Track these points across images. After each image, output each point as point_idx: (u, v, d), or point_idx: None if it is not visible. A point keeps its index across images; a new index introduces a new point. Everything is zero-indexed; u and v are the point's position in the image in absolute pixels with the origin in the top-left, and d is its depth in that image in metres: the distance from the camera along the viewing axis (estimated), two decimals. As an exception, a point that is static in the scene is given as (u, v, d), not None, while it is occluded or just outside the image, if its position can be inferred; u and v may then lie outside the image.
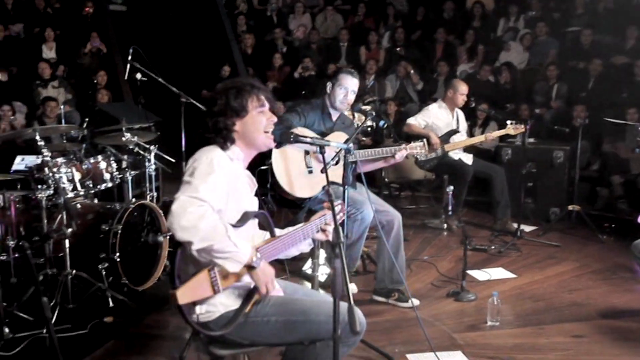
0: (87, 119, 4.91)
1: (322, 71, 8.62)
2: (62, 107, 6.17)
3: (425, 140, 3.84)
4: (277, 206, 5.66)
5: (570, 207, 5.59)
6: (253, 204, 2.33)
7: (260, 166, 4.12)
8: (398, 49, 9.16)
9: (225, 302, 2.15)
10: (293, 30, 9.93)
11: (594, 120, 6.69)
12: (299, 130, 3.53)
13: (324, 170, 2.37)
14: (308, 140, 2.60)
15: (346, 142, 3.26)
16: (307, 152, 3.58)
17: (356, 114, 4.56)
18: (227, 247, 1.98)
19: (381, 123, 3.71)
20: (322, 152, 2.50)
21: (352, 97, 3.72)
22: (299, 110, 3.69)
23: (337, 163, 3.47)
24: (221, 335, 2.14)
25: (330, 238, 2.44)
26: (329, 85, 3.75)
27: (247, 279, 2.16)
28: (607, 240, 5.32)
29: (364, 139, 6.66)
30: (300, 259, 4.43)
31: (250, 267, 2.07)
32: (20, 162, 4.46)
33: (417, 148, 3.78)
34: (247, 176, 2.33)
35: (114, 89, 7.84)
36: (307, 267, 4.33)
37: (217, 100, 2.24)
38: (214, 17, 10.04)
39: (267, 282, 2.13)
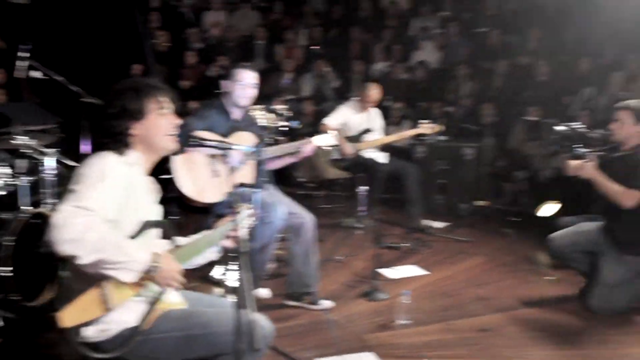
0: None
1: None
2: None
3: (336, 132, 3.81)
4: (186, 214, 5.43)
5: (478, 203, 5.77)
6: (154, 212, 2.20)
7: (160, 174, 3.95)
8: (315, 47, 9.15)
9: (121, 319, 1.99)
10: (208, 27, 9.70)
11: (501, 118, 6.96)
12: (202, 134, 3.40)
13: (230, 174, 2.27)
14: (210, 143, 2.50)
15: (261, 143, 3.16)
16: (210, 155, 3.45)
17: (267, 114, 4.47)
18: (119, 257, 1.84)
19: (294, 123, 3.65)
20: (226, 155, 2.40)
21: (252, 92, 3.63)
22: (200, 113, 3.57)
23: (244, 164, 3.37)
24: (115, 357, 1.98)
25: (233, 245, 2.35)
26: (224, 83, 3.64)
27: (145, 292, 2.03)
28: (512, 233, 5.53)
29: (281, 139, 6.57)
30: (211, 264, 4.30)
31: (149, 273, 1.93)
32: None
33: (326, 140, 3.74)
34: (148, 183, 2.20)
35: (14, 89, 7.33)
36: (216, 273, 4.20)
37: (113, 102, 2.09)
38: (125, 13, 9.63)
39: (170, 280, 1.98)
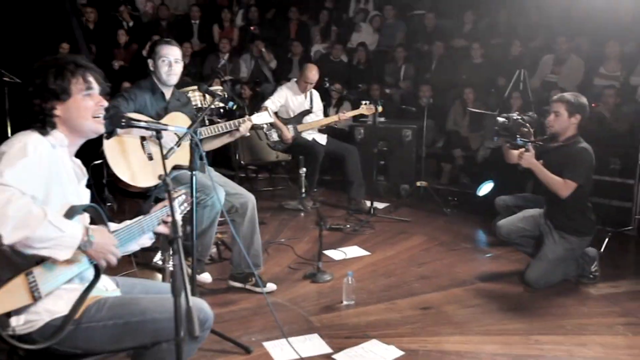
0: None
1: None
2: None
3: (270, 110, 3.76)
4: (121, 199, 5.29)
5: (418, 183, 5.86)
6: (82, 197, 2.08)
7: (93, 160, 3.78)
8: (252, 27, 9.00)
9: (51, 309, 1.87)
10: (140, 5, 9.35)
11: (438, 100, 7.09)
12: (132, 116, 3.26)
13: (163, 157, 2.17)
14: (142, 124, 2.38)
15: (191, 126, 3.06)
16: (143, 138, 3.31)
17: (202, 95, 4.35)
18: (50, 232, 1.72)
19: (229, 104, 3.55)
20: (159, 137, 2.30)
21: (178, 67, 3.50)
22: (126, 95, 3.41)
23: (179, 146, 3.26)
24: (46, 348, 1.86)
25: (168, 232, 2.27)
26: (150, 62, 3.50)
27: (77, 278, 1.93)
28: (451, 213, 5.65)
29: (219, 120, 6.44)
30: (152, 249, 4.18)
31: (84, 247, 1.84)
32: None
33: (262, 117, 3.69)
34: (74, 165, 2.07)
35: None
36: (157, 259, 4.08)
37: (35, 80, 1.95)
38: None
39: (106, 254, 1.92)
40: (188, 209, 2.42)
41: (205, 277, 3.74)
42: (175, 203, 2.27)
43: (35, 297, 1.80)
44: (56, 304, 1.89)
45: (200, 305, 2.07)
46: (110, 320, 1.95)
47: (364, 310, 3.59)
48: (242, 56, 8.51)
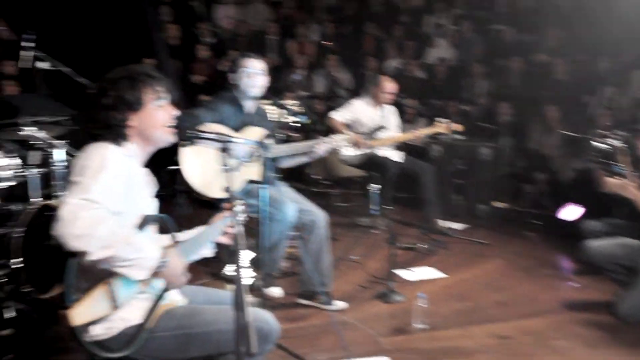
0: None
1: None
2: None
3: (350, 133, 3.70)
4: (194, 207, 5.36)
5: (497, 204, 5.61)
6: (151, 206, 2.10)
7: (168, 165, 3.84)
8: (327, 43, 9.02)
9: (125, 317, 1.91)
10: (220, 21, 9.59)
11: (518, 118, 6.81)
12: (210, 127, 3.29)
13: (226, 170, 2.17)
14: (210, 136, 2.38)
15: (267, 138, 3.04)
16: (221, 150, 3.33)
17: (276, 109, 4.35)
18: (131, 253, 1.77)
19: (303, 119, 3.52)
20: (226, 150, 2.30)
21: (259, 80, 3.54)
22: (207, 106, 3.46)
23: (249, 159, 3.25)
24: (123, 357, 1.89)
25: (229, 242, 2.27)
26: (232, 76, 3.53)
27: (149, 289, 1.95)
28: (532, 236, 5.37)
29: (294, 135, 6.46)
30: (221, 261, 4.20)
31: (158, 269, 1.87)
32: None
33: (339, 140, 3.63)
34: (144, 175, 2.10)
35: (27, 80, 7.24)
36: (228, 270, 4.08)
37: (107, 92, 1.98)
38: (135, 6, 9.54)
39: (177, 277, 1.95)
40: (244, 220, 2.38)
41: (276, 291, 3.70)
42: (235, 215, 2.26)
43: (115, 306, 1.85)
44: (130, 312, 1.92)
45: (265, 317, 2.08)
46: (180, 330, 1.98)
47: (436, 335, 3.44)
48: (318, 71, 8.53)
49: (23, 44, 4.37)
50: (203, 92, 7.36)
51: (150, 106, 2.01)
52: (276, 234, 3.43)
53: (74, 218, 1.69)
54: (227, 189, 2.07)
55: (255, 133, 3.47)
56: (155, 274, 1.87)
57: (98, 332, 1.87)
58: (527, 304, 3.89)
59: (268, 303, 3.67)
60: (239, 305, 1.64)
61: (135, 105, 1.98)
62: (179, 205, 4.89)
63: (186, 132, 2.38)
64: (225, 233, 2.23)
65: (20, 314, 3.29)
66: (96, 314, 1.83)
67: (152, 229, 2.02)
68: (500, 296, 4.01)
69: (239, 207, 2.19)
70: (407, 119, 7.16)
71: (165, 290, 1.98)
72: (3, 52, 7.54)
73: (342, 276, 4.32)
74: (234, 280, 3.59)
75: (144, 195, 2.05)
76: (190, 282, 2.01)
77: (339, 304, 3.70)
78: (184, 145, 3.27)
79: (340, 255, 4.74)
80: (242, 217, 2.29)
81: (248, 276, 3.85)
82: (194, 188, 3.29)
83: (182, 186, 3.40)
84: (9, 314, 3.27)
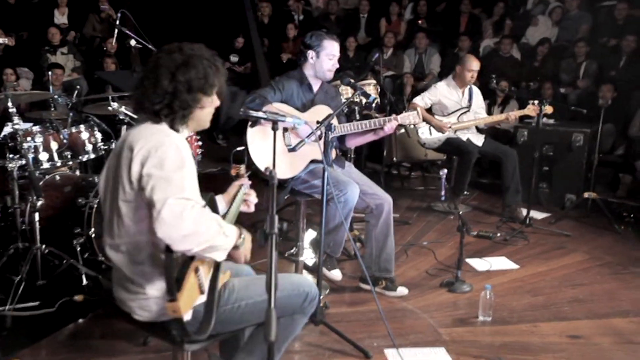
0: (78, 87, 4.74)
1: (341, 43, 8.29)
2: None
3: (419, 110, 3.56)
4: (260, 187, 5.36)
5: (586, 194, 5.23)
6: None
7: (236, 147, 3.90)
8: (420, 21, 8.77)
9: None
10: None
11: (622, 102, 6.28)
12: (277, 106, 3.29)
13: (274, 148, 2.16)
14: (260, 115, 2.37)
15: (327, 118, 3.00)
16: (285, 129, 3.33)
17: (346, 88, 4.29)
18: (221, 241, 1.86)
19: (370, 98, 3.43)
20: (275, 129, 2.28)
21: (336, 64, 3.48)
22: (274, 85, 3.45)
23: (320, 139, 3.21)
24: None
25: (252, 209, 2.33)
26: (311, 53, 3.47)
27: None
28: (624, 231, 4.96)
29: (377, 115, 6.37)
30: (289, 240, 4.25)
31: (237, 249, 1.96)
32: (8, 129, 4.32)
33: (409, 117, 3.49)
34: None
35: (124, 58, 7.67)
36: (292, 250, 4.13)
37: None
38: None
39: (247, 255, 2.03)
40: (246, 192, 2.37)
41: (336, 274, 3.68)
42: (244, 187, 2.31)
43: (202, 291, 1.93)
44: None
45: (309, 281, 2.28)
46: (244, 301, 2.07)
47: (501, 329, 3.28)
48: (407, 51, 8.33)
49: (118, 22, 4.59)
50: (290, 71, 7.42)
51: (214, 96, 2.02)
52: (338, 216, 3.40)
53: (180, 219, 1.72)
54: (268, 170, 2.06)
55: (323, 112, 3.43)
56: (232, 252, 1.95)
57: (186, 318, 1.92)
58: (606, 302, 3.61)
59: (329, 285, 3.70)
60: (269, 287, 1.63)
61: (211, 90, 1.98)
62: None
63: (239, 111, 2.42)
64: (244, 201, 2.28)
65: (93, 281, 3.50)
66: (194, 302, 1.90)
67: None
68: (577, 293, 3.75)
69: (243, 171, 2.22)
70: (497, 101, 6.83)
71: (219, 265, 2.02)
72: (107, 30, 8.03)
73: (410, 262, 4.24)
74: (298, 260, 3.69)
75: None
76: (253, 261, 2.07)
77: (401, 290, 3.62)
78: (252, 126, 3.31)
79: (411, 240, 4.64)
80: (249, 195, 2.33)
81: (308, 257, 3.88)
82: (261, 169, 3.32)
83: (251, 166, 3.44)
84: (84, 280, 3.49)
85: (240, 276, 2.24)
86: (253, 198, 2.34)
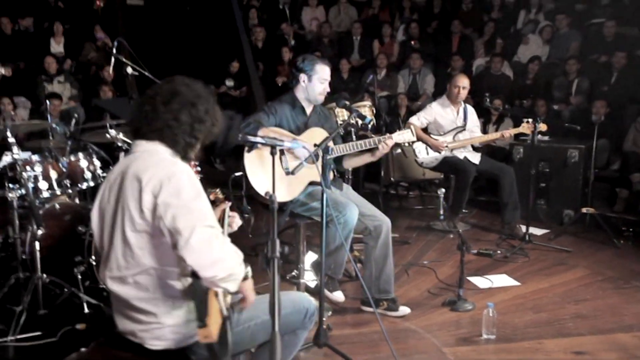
0: (76, 116, 4.77)
1: (335, 65, 8.37)
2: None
3: (412, 128, 3.59)
4: (259, 211, 5.39)
5: (584, 209, 5.25)
6: None
7: (239, 168, 3.92)
8: (412, 42, 8.87)
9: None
10: (306, 23, 9.71)
11: (615, 117, 6.35)
12: (272, 129, 3.32)
13: (273, 172, 2.17)
14: (258, 140, 2.39)
15: (325, 140, 3.02)
16: (282, 153, 3.35)
17: (340, 110, 4.33)
18: (239, 270, 1.90)
19: (366, 120, 3.47)
20: (274, 153, 2.29)
21: (327, 88, 3.51)
22: (267, 110, 3.48)
23: (307, 161, 3.22)
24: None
25: (235, 228, 2.32)
26: (303, 77, 3.50)
27: None
28: (623, 245, 4.98)
29: (372, 136, 6.40)
30: (289, 263, 4.24)
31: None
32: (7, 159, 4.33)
33: (404, 136, 3.52)
34: None
35: (121, 85, 7.72)
36: (293, 273, 4.12)
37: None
38: (226, 11, 9.88)
39: (253, 288, 2.09)
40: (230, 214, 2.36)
41: (338, 296, 3.66)
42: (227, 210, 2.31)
43: (223, 315, 1.91)
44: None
45: (308, 297, 2.31)
46: (252, 321, 2.13)
47: (505, 347, 3.27)
48: (400, 71, 8.41)
49: (114, 50, 4.63)
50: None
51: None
52: (338, 237, 3.40)
53: (209, 246, 1.77)
54: (268, 194, 2.07)
55: (317, 135, 3.46)
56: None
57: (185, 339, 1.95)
58: (609, 317, 3.61)
59: (331, 307, 3.69)
60: (273, 310, 1.63)
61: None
62: (243, 210, 4.98)
63: (236, 137, 2.43)
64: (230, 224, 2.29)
65: (95, 310, 3.49)
66: (217, 325, 1.86)
67: None
68: (580, 308, 3.75)
69: (220, 194, 2.24)
70: (492, 119, 6.89)
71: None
72: (103, 58, 8.09)
73: (412, 282, 4.23)
74: (299, 282, 3.68)
75: None
76: (255, 284, 2.07)
77: (403, 310, 3.62)
78: (248, 151, 3.33)
79: (411, 260, 4.64)
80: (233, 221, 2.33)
81: (309, 279, 3.87)
82: (259, 193, 3.33)
83: (247, 191, 3.45)
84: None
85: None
86: (237, 220, 2.34)
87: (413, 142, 3.65)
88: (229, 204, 2.36)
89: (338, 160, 3.64)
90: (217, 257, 1.78)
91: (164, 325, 1.92)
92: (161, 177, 1.81)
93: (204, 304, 1.80)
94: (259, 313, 2.11)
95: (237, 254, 1.89)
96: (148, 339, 1.95)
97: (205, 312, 1.77)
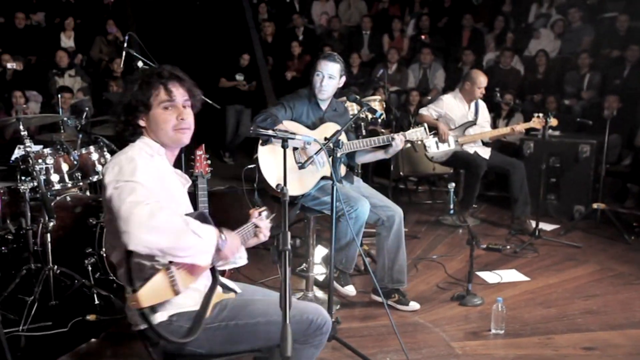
0: (87, 109, 4.80)
1: (345, 60, 8.36)
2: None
3: (426, 125, 3.59)
4: (271, 204, 5.36)
5: (595, 205, 5.22)
6: (187, 203, 2.14)
7: (248, 162, 3.93)
8: (422, 37, 8.83)
9: (180, 302, 1.95)
10: (316, 17, 9.70)
11: (627, 112, 6.29)
12: (286, 124, 3.32)
13: (285, 165, 2.16)
14: (270, 133, 2.40)
15: (335, 134, 3.03)
16: (295, 148, 3.36)
17: (352, 104, 4.32)
18: (192, 240, 1.81)
19: (377, 114, 3.47)
20: (285, 147, 2.30)
21: (329, 83, 3.46)
22: (285, 103, 3.49)
23: (329, 156, 3.23)
24: (173, 347, 1.97)
25: (265, 237, 2.27)
26: (312, 73, 3.52)
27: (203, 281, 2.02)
28: (634, 241, 4.95)
29: (382, 131, 6.39)
30: (299, 257, 4.25)
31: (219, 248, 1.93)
32: (19, 152, 4.37)
33: (416, 133, 3.53)
34: (175, 173, 2.14)
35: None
36: (302, 266, 4.12)
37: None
38: (236, 5, 9.89)
39: (235, 251, 2.03)
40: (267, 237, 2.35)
41: (349, 290, 3.67)
42: (257, 220, 2.26)
43: (175, 291, 1.87)
44: (186, 301, 1.97)
45: (319, 309, 2.13)
46: (231, 321, 2.02)
47: (514, 342, 3.27)
48: (411, 66, 8.38)
49: (126, 44, 4.64)
50: (296, 89, 7.47)
51: (158, 109, 2.01)
52: (350, 231, 3.40)
53: (131, 215, 1.73)
54: (280, 187, 2.07)
55: (331, 130, 3.45)
56: (217, 254, 1.92)
57: (159, 318, 1.93)
58: (619, 313, 3.59)
59: (341, 301, 3.70)
60: (284, 303, 1.64)
61: (140, 107, 2.00)
62: (255, 202, 4.98)
63: (249, 129, 2.44)
64: (256, 235, 2.24)
65: (105, 301, 3.52)
66: (160, 298, 1.86)
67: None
68: (590, 304, 3.73)
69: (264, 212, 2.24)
70: (502, 114, 6.85)
71: (215, 280, 2.03)
72: (114, 52, 8.12)
73: (421, 276, 4.23)
74: (309, 276, 3.69)
75: (178, 193, 2.09)
76: (264, 277, 2.06)
77: (413, 304, 3.62)
78: (263, 144, 3.34)
79: (420, 254, 4.64)
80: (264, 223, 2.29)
81: (319, 273, 3.88)
82: (271, 186, 3.35)
83: (260, 184, 3.46)
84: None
85: (245, 297, 2.19)
86: (265, 231, 2.28)
87: (425, 139, 3.65)
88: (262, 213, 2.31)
89: (351, 156, 3.65)
90: (147, 226, 1.73)
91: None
92: (112, 162, 1.94)
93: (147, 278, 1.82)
94: (242, 315, 2.03)
95: (183, 227, 1.80)
96: (130, 318, 2.01)
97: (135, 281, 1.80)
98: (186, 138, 2.07)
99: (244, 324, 2.02)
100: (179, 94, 2.04)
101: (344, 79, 3.55)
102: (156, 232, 1.74)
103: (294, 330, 1.92)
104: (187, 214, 1.96)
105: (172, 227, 1.78)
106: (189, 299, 1.98)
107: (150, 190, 1.84)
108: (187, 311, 1.97)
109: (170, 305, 1.94)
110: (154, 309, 1.87)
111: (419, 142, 3.66)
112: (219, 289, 2.13)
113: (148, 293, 1.81)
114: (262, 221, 2.24)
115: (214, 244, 1.89)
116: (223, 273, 2.35)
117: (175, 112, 2.03)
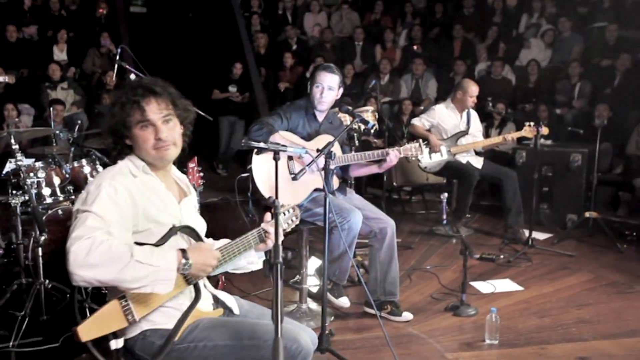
0: (79, 122, 4.80)
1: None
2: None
3: (421, 141, 3.61)
4: (263, 213, 5.35)
5: (587, 214, 5.24)
6: (185, 215, 2.06)
7: (241, 173, 3.94)
8: (414, 47, 8.89)
9: (153, 320, 1.91)
10: (308, 29, 9.74)
11: (618, 121, 6.34)
12: (282, 135, 3.33)
13: (276, 177, 2.16)
14: (262, 145, 2.40)
15: (326, 146, 3.03)
16: (289, 158, 3.36)
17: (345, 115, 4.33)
18: (141, 271, 1.71)
19: (369, 125, 3.48)
20: (277, 159, 2.29)
21: (328, 94, 3.47)
22: (281, 113, 3.49)
23: (323, 168, 3.22)
24: None
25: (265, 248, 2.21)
26: (309, 85, 3.54)
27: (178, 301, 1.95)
28: (627, 249, 4.96)
29: (375, 141, 6.41)
30: (292, 268, 4.24)
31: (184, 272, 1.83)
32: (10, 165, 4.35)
33: (412, 149, 3.54)
34: (170, 189, 2.06)
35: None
36: (296, 278, 4.11)
37: (110, 114, 1.99)
38: (229, 17, 9.92)
39: (206, 268, 1.90)
40: (297, 222, 2.37)
41: (343, 302, 3.66)
42: (281, 217, 2.21)
43: (130, 320, 1.82)
44: (161, 318, 1.93)
45: (295, 335, 1.96)
46: (200, 342, 1.93)
47: (509, 352, 3.26)
48: (403, 76, 8.42)
49: (118, 57, 4.65)
50: (288, 100, 7.50)
51: (135, 130, 1.95)
52: (342, 243, 3.40)
53: (68, 252, 1.67)
54: (271, 200, 2.06)
55: (325, 141, 3.44)
56: (185, 276, 1.87)
57: (135, 331, 1.89)
58: (613, 322, 3.60)
59: (334, 313, 3.69)
60: (276, 317, 1.62)
61: (121, 129, 1.96)
62: (248, 211, 4.99)
63: (241, 141, 2.44)
64: (265, 240, 2.17)
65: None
66: (109, 329, 1.82)
67: (179, 239, 1.98)
68: (583, 313, 3.73)
69: (288, 210, 2.18)
70: (495, 124, 6.89)
71: (196, 298, 1.96)
72: (107, 65, 8.13)
73: (415, 286, 4.22)
74: (302, 288, 3.67)
75: (170, 207, 2.02)
76: (256, 290, 2.03)
77: (406, 315, 3.61)
78: (258, 154, 3.34)
79: (414, 265, 4.64)
80: (291, 220, 2.28)
81: (312, 284, 3.87)
82: (264, 196, 3.34)
83: (253, 193, 3.46)
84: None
85: (248, 317, 2.13)
86: (269, 241, 2.20)
87: (420, 155, 3.65)
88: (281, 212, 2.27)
89: (344, 169, 3.65)
90: (81, 260, 1.66)
91: None
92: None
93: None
94: (213, 336, 1.94)
95: (126, 258, 1.70)
96: None
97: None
98: (170, 154, 2.01)
99: (213, 345, 1.93)
100: (155, 110, 1.95)
101: (341, 90, 3.56)
102: (93, 268, 1.67)
103: (257, 356, 1.91)
104: (170, 231, 1.91)
105: (110, 261, 1.68)
106: (166, 317, 1.93)
107: (104, 219, 1.78)
108: (161, 328, 1.92)
109: (146, 321, 1.90)
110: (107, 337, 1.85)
111: (414, 158, 3.67)
112: (207, 306, 2.08)
113: (91, 327, 1.77)
114: (272, 227, 2.12)
115: (173, 270, 1.78)
116: (216, 285, 2.33)
117: (153, 130, 1.96)
